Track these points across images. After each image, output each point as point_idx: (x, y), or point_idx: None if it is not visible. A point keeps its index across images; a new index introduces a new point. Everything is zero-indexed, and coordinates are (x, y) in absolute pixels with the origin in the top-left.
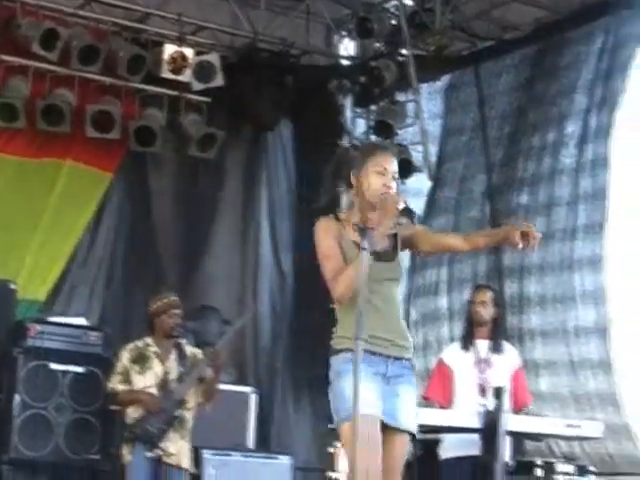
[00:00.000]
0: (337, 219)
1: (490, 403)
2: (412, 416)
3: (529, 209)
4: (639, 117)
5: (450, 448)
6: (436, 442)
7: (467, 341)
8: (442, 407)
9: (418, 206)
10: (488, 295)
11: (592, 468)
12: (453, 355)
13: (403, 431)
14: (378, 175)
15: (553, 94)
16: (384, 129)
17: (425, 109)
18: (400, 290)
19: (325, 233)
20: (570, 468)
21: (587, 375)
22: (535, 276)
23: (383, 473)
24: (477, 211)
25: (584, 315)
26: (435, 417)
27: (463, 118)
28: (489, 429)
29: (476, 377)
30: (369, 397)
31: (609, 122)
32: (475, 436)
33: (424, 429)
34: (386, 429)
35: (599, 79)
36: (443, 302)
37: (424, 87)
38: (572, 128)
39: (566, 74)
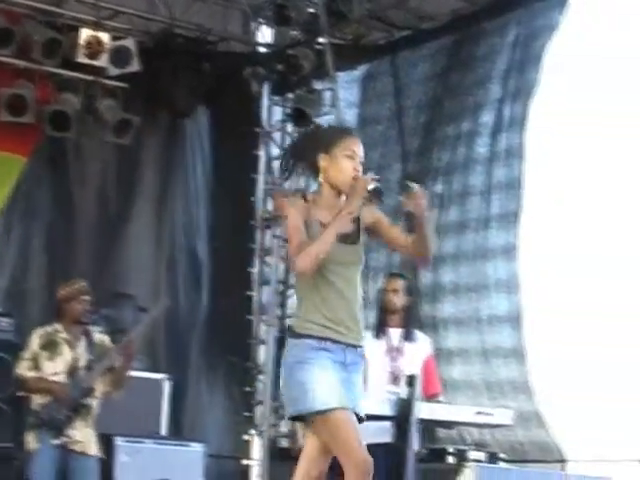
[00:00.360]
0: (305, 200)
1: (402, 391)
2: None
3: (444, 198)
4: (553, 108)
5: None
6: None
7: (379, 329)
8: None
9: None
10: (400, 283)
11: (503, 455)
12: (365, 343)
13: (360, 418)
14: (348, 159)
15: (468, 84)
16: (301, 117)
17: (342, 98)
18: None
19: (294, 210)
20: (481, 455)
21: (499, 363)
22: (449, 265)
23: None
24: (392, 200)
25: (497, 304)
26: None
27: (379, 107)
28: (401, 417)
29: (388, 365)
30: (340, 389)
31: (523, 112)
32: (386, 424)
33: None
34: None
35: (513, 70)
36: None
37: (341, 76)
38: (486, 118)
39: (481, 64)
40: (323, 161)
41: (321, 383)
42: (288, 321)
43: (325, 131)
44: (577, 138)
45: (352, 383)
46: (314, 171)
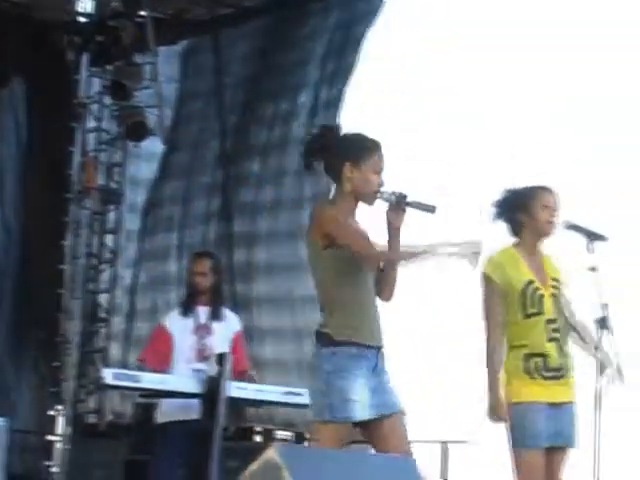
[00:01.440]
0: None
1: (211, 369)
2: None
3: (260, 177)
4: (370, 91)
5: (168, 413)
6: (154, 406)
7: (187, 308)
8: (157, 371)
9: (151, 169)
10: (207, 264)
11: (309, 435)
12: (173, 321)
13: (399, 412)
14: (375, 174)
15: (288, 65)
16: (120, 90)
17: (162, 72)
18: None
19: (341, 216)
20: (288, 435)
21: (311, 343)
22: (264, 244)
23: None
24: (209, 177)
25: (310, 284)
26: (154, 381)
27: (199, 83)
28: (209, 395)
29: (196, 343)
30: (365, 399)
31: (339, 95)
32: (193, 401)
33: (143, 393)
34: (384, 418)
35: (332, 53)
36: (172, 267)
37: (162, 50)
38: (304, 99)
39: (302, 46)
40: (349, 171)
41: (359, 394)
42: (320, 328)
43: (356, 142)
44: (391, 121)
45: (385, 385)
46: (334, 175)
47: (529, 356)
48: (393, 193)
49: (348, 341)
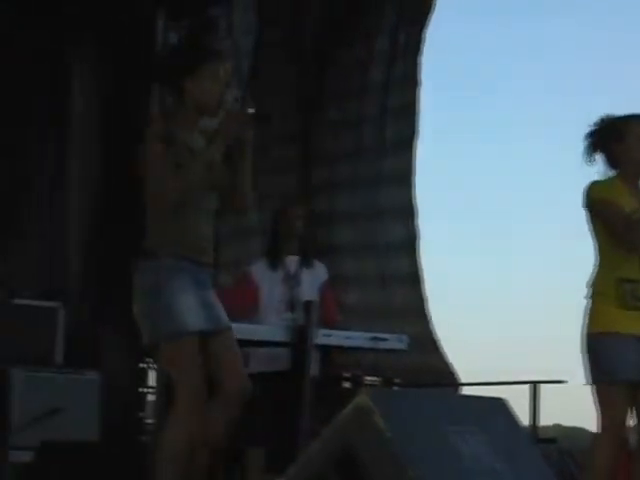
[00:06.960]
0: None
1: (299, 318)
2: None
3: (338, 124)
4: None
5: (257, 363)
6: (246, 356)
7: (276, 257)
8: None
9: None
10: (300, 210)
11: (397, 380)
12: (260, 272)
13: (228, 328)
14: (213, 81)
15: (364, 9)
16: (196, 44)
17: (238, 24)
18: None
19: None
20: (376, 380)
21: (395, 288)
22: (345, 191)
23: (226, 370)
24: (288, 124)
25: (393, 230)
26: (244, 331)
27: (276, 31)
28: (298, 343)
29: (284, 293)
30: (195, 309)
31: (418, 39)
32: (283, 350)
33: None
34: (214, 334)
35: None
36: (253, 217)
37: (237, 1)
38: (381, 44)
39: None
40: (188, 83)
41: (177, 309)
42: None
43: (190, 54)
44: None
45: (209, 298)
46: (174, 89)
47: (621, 281)
48: (236, 100)
49: (166, 254)
